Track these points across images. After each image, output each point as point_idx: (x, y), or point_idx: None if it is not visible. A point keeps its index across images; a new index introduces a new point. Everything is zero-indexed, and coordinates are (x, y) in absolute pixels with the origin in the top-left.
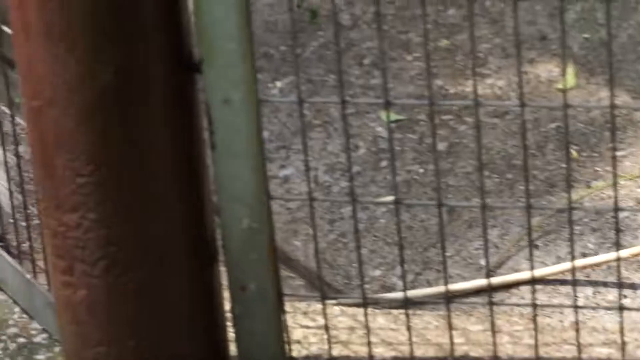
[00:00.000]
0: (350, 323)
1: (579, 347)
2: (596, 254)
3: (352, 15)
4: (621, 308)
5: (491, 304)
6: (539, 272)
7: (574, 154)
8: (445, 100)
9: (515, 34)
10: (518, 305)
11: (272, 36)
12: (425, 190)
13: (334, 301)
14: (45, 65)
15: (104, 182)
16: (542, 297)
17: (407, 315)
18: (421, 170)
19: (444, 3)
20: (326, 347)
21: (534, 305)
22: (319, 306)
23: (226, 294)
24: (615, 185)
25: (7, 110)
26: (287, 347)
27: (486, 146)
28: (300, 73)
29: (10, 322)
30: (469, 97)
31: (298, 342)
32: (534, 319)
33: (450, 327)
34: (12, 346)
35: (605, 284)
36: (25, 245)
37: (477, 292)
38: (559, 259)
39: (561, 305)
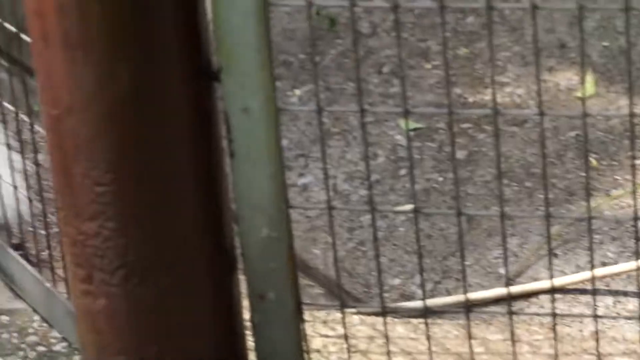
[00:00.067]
0: (369, 332)
1: (599, 356)
2: (616, 263)
3: (371, 23)
4: None
5: (511, 313)
6: (558, 281)
7: (593, 162)
8: (464, 108)
9: (534, 42)
10: (538, 314)
11: (291, 44)
12: (445, 198)
13: (353, 310)
14: (63, 73)
15: (123, 191)
16: (561, 307)
17: (427, 324)
18: (440, 179)
19: (463, 11)
20: (345, 356)
21: (554, 315)
22: (338, 315)
23: (245, 303)
24: (634, 193)
25: (26, 118)
26: (306, 356)
27: (505, 155)
28: (319, 81)
29: (30, 330)
30: (488, 105)
31: (317, 351)
32: (553, 329)
33: (470, 336)
34: (32, 354)
35: (625, 293)
36: (44, 254)
37: (496, 301)
38: (579, 268)
39: (581, 315)
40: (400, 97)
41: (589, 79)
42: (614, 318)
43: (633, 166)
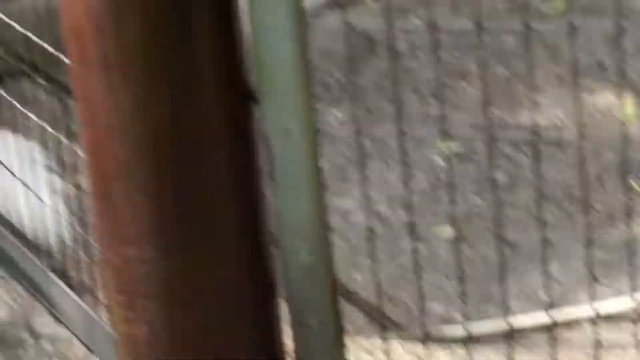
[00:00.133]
0: (411, 358)
1: None
2: None
3: (409, 43)
4: None
5: (552, 339)
6: (600, 307)
7: (634, 185)
8: (503, 130)
9: (573, 62)
10: (580, 341)
11: (329, 64)
12: (486, 223)
13: (394, 336)
14: (101, 94)
15: (163, 216)
16: (603, 333)
17: (468, 350)
18: (481, 202)
19: (501, 30)
20: None
21: (596, 341)
22: (379, 341)
23: (286, 328)
24: None
25: (65, 140)
26: None
27: (545, 177)
28: (357, 102)
29: (71, 356)
30: (527, 126)
31: None
32: (595, 355)
33: None
34: None
35: None
36: (86, 279)
37: (538, 327)
38: (621, 293)
39: (623, 342)
40: (439, 118)
41: (629, 100)
42: None
43: None
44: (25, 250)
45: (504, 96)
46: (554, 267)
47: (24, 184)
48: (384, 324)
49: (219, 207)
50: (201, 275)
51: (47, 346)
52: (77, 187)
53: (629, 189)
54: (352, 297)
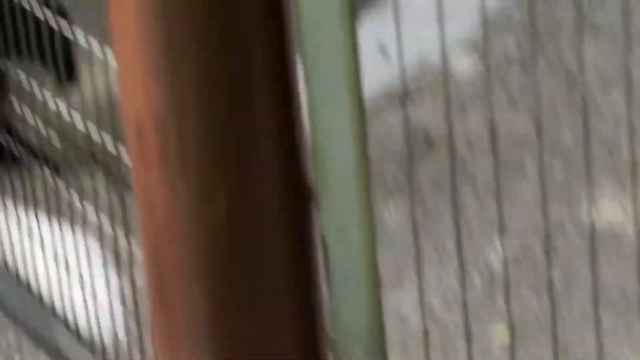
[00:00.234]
0: None
1: None
2: None
3: (467, 140)
4: None
5: None
6: None
7: None
8: (560, 228)
9: (632, 160)
10: None
11: (386, 160)
12: (541, 324)
13: None
14: (160, 191)
15: (222, 324)
16: None
17: None
18: (536, 303)
19: (558, 124)
20: None
21: None
22: None
23: None
24: None
25: (123, 235)
26: None
27: (602, 279)
28: (414, 199)
29: None
30: (585, 225)
31: None
32: None
33: None
34: None
35: None
36: None
37: None
38: None
39: None
40: (496, 215)
41: None
42: None
43: None
44: (79, 346)
45: (562, 194)
46: None
47: (80, 279)
48: None
49: (277, 309)
50: None
51: None
52: (133, 283)
53: None
54: None
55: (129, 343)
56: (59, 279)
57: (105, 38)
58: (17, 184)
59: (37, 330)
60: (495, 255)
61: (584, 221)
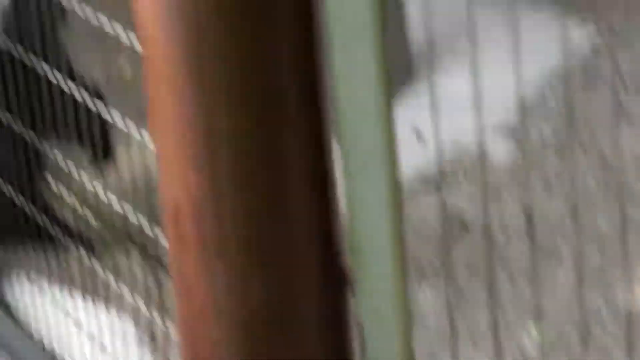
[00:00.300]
0: None
1: None
2: None
3: (502, 225)
4: None
5: None
6: None
7: None
8: (596, 315)
9: None
10: None
11: (421, 243)
12: None
13: None
14: (197, 274)
15: None
16: None
17: None
18: None
19: (594, 209)
20: None
21: None
22: None
23: None
24: None
25: (158, 317)
26: None
27: None
28: (449, 282)
29: None
30: (621, 311)
31: None
32: None
33: None
34: None
35: None
36: None
37: None
38: None
39: None
40: (531, 301)
41: None
42: None
43: None
44: None
45: (598, 279)
46: None
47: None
48: None
49: None
50: None
51: None
52: None
53: None
54: None
55: None
56: (95, 359)
57: (142, 120)
58: (53, 263)
59: None
60: (529, 340)
61: (620, 307)
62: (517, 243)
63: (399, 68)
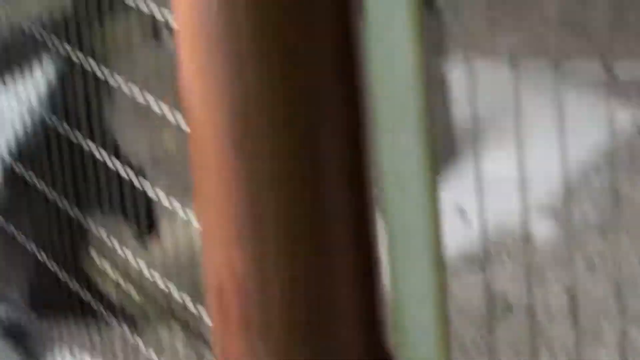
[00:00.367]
0: None
1: None
2: None
3: (545, 305)
4: None
5: None
6: None
7: None
8: None
9: None
10: None
11: (465, 322)
12: None
13: None
14: (240, 353)
15: None
16: None
17: None
18: None
19: (637, 290)
20: None
21: None
22: None
23: None
24: None
25: None
26: None
27: None
28: None
29: None
30: None
31: None
32: None
33: None
34: None
35: None
36: None
37: None
38: None
39: None
40: None
41: None
42: None
43: None
44: None
45: None
46: None
47: None
48: None
49: None
50: None
51: None
52: None
53: None
54: None
55: None
56: None
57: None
58: (96, 338)
59: None
60: None
61: None
62: (560, 323)
63: (443, 148)
